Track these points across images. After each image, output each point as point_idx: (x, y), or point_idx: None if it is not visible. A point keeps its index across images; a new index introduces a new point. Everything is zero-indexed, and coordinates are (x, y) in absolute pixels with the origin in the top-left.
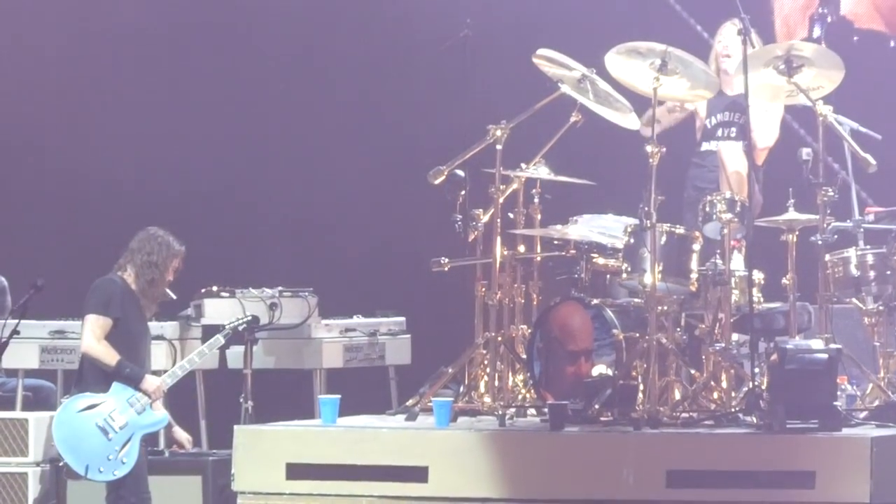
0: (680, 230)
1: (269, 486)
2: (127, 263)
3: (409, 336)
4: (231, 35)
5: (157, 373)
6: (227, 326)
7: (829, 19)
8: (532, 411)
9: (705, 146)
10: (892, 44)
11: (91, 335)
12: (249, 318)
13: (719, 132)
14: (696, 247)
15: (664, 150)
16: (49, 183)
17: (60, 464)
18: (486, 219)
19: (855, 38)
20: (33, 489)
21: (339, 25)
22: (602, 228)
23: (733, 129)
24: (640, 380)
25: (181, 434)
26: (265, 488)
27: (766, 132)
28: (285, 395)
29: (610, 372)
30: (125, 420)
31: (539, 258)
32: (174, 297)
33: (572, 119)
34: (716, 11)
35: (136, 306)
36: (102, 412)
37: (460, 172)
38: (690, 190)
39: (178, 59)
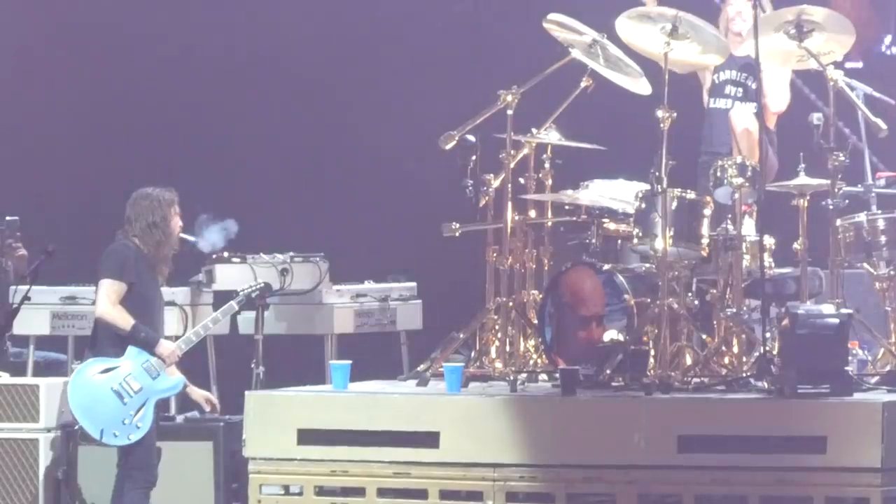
0: (691, 195)
1: (281, 451)
2: (130, 234)
3: (420, 301)
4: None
5: (168, 338)
6: (240, 293)
7: None
8: (543, 376)
9: (712, 104)
10: None
11: (106, 300)
12: (262, 284)
13: (727, 89)
14: (707, 212)
15: (675, 114)
16: (60, 147)
17: (76, 427)
18: (496, 184)
19: None
20: (44, 455)
21: None
22: (613, 194)
23: (740, 90)
24: (651, 345)
25: (199, 393)
26: (276, 454)
27: (778, 96)
28: (296, 361)
29: (621, 337)
30: (140, 384)
31: (550, 223)
32: (193, 239)
33: (583, 84)
34: None
35: (151, 271)
36: (118, 376)
37: (471, 137)
38: (703, 154)
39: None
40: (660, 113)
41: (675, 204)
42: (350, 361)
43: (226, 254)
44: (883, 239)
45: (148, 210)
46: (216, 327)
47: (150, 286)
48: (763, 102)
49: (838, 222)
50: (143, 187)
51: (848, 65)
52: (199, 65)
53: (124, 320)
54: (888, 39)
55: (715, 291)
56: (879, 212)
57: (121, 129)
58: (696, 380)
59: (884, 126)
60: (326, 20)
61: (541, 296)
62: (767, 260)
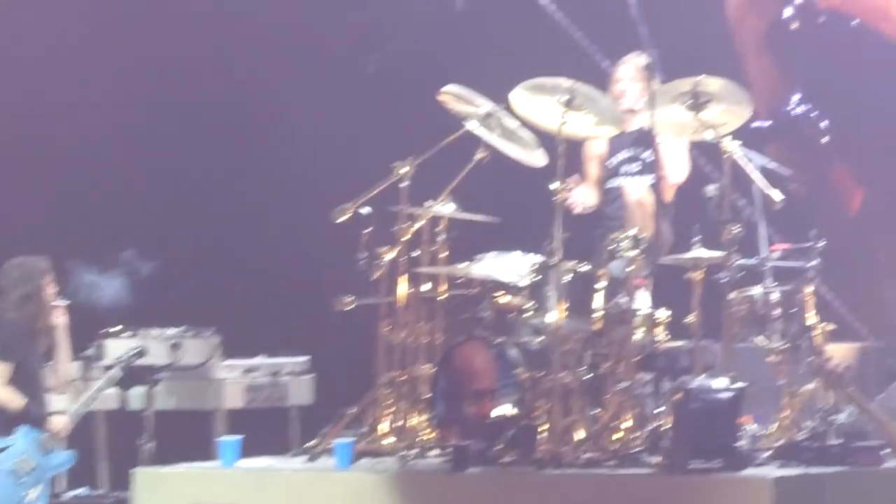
0: (585, 268)
1: None
2: (4, 308)
3: (312, 376)
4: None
5: (58, 412)
6: (119, 360)
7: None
8: (435, 452)
9: (608, 184)
10: (853, 23)
11: None
12: (138, 349)
13: (622, 170)
14: (601, 285)
15: (571, 187)
16: None
17: None
18: (390, 257)
19: (821, 20)
20: None
21: (246, 51)
22: (508, 266)
23: (635, 165)
24: (543, 419)
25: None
26: None
27: (677, 167)
28: (186, 437)
29: (513, 412)
30: (35, 462)
31: (443, 297)
32: (63, 304)
33: (478, 156)
34: (623, 45)
35: (32, 345)
36: (12, 456)
37: (365, 210)
38: (598, 227)
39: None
40: (554, 185)
41: (569, 277)
42: (240, 437)
43: (116, 328)
44: (776, 312)
45: (19, 281)
46: (104, 400)
47: (35, 360)
48: (661, 174)
49: (732, 295)
50: (14, 257)
51: (755, 124)
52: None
53: (15, 400)
54: (795, 98)
55: (608, 365)
56: (774, 285)
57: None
58: (587, 455)
59: (779, 197)
60: (216, 86)
61: (433, 370)
62: (661, 333)
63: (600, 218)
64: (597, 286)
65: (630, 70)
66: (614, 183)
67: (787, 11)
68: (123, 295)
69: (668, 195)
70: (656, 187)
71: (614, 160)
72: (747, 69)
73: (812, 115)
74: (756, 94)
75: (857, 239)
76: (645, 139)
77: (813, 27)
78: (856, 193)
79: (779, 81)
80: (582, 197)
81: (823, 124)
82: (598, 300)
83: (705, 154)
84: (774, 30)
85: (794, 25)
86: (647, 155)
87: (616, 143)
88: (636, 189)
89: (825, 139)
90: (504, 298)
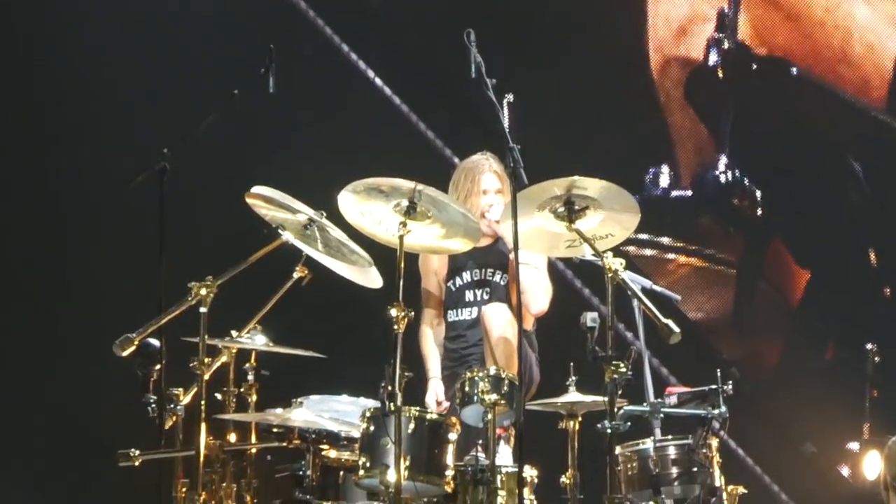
0: (432, 416)
1: None
2: None
3: None
4: None
5: None
6: None
7: (725, 45)
8: None
9: (452, 315)
10: (793, 71)
11: None
12: None
13: (468, 296)
14: (453, 436)
15: (413, 314)
16: None
17: None
18: (187, 400)
19: (754, 66)
20: None
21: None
22: (334, 413)
23: (485, 291)
24: None
25: None
26: None
27: (539, 292)
28: None
29: None
30: None
31: (255, 450)
32: None
33: (296, 274)
34: (477, 140)
35: None
36: None
37: (154, 342)
38: (444, 365)
39: None
40: (394, 312)
41: (412, 426)
42: None
43: None
44: (674, 471)
45: None
46: None
47: None
48: (520, 300)
49: (618, 451)
50: None
51: (675, 193)
52: None
53: None
54: (722, 163)
55: None
56: (669, 437)
57: None
58: None
59: (676, 329)
60: None
61: None
62: (528, 497)
63: (445, 355)
64: (447, 438)
65: (495, 181)
66: (460, 315)
67: (713, 57)
68: None
69: (529, 325)
70: (519, 314)
71: (457, 282)
72: (672, 122)
73: (743, 181)
74: (680, 153)
75: (780, 369)
76: (495, 257)
77: (744, 76)
78: (798, 275)
79: (705, 140)
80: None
81: (757, 194)
82: (448, 456)
83: (581, 275)
84: (698, 78)
85: (721, 74)
86: (499, 278)
87: (461, 259)
88: (496, 317)
89: (759, 211)
90: (330, 453)
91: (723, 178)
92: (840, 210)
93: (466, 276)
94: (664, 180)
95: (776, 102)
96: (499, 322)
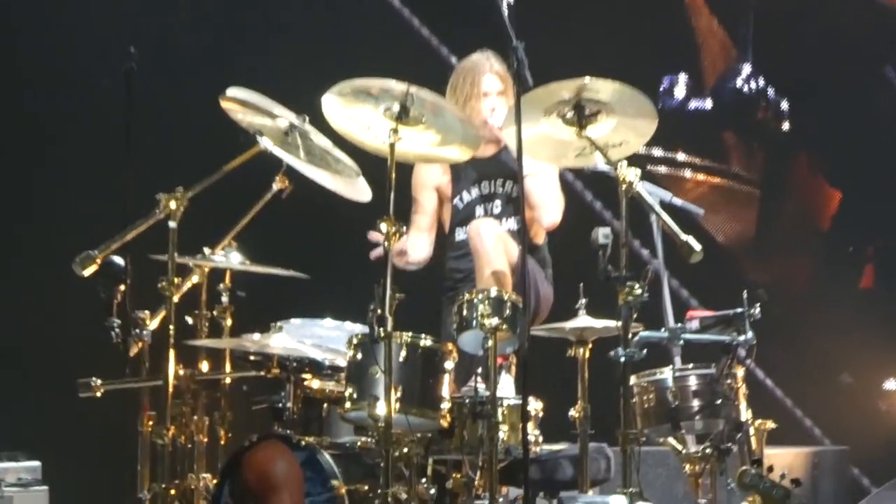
0: (426, 342)
1: None
2: None
3: (45, 489)
4: None
5: None
6: None
7: None
8: None
9: (461, 234)
10: None
11: None
12: None
13: (478, 212)
14: (450, 365)
15: (405, 229)
16: None
17: None
18: (154, 324)
19: None
20: None
21: None
22: (317, 339)
23: (498, 203)
24: None
25: None
26: None
27: (550, 204)
28: None
29: None
30: None
31: (229, 380)
32: None
33: (276, 186)
34: (477, 38)
35: None
36: None
37: (119, 260)
38: (445, 286)
39: None
40: (384, 227)
41: (404, 354)
42: None
43: None
44: (695, 404)
45: None
46: None
47: None
48: (531, 215)
49: (633, 381)
50: None
51: (693, 104)
52: None
53: None
54: (745, 71)
55: (459, 476)
56: (690, 366)
57: None
58: None
59: (698, 247)
60: None
61: (215, 481)
62: (533, 433)
63: (448, 274)
64: (443, 367)
65: (497, 82)
66: (466, 228)
67: None
68: None
69: (540, 240)
70: (523, 232)
71: (465, 197)
72: (698, 26)
73: (768, 91)
74: (699, 60)
75: (811, 295)
76: (503, 167)
77: None
78: (828, 195)
79: (726, 46)
80: (412, 247)
81: (783, 105)
82: (444, 387)
83: (592, 186)
84: None
85: None
86: (509, 188)
87: (465, 173)
88: (490, 232)
89: (785, 125)
90: (313, 383)
91: (745, 89)
92: (874, 124)
93: (474, 190)
94: (680, 90)
95: (804, 4)
96: (486, 238)
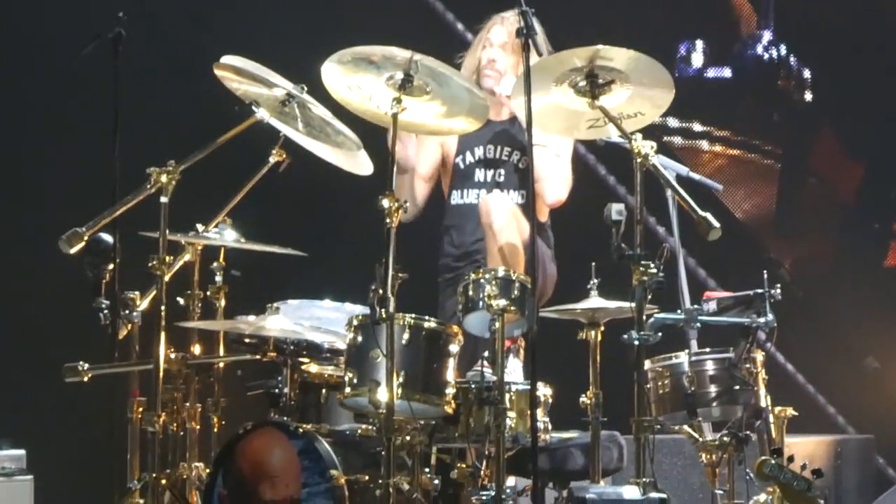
0: (431, 324)
1: None
2: None
3: (30, 478)
4: None
5: None
6: None
7: None
8: None
9: (457, 197)
10: None
11: None
12: None
13: (477, 175)
14: (455, 348)
15: (408, 205)
16: None
17: None
18: (144, 305)
19: None
20: None
21: None
22: (316, 321)
23: (499, 173)
24: None
25: None
26: None
27: (556, 179)
28: None
29: None
30: None
31: (223, 364)
32: None
33: (273, 159)
34: (485, 4)
35: None
36: None
37: (107, 237)
38: (445, 266)
39: None
40: (386, 202)
41: (406, 336)
42: None
43: None
44: (712, 390)
45: None
46: None
47: None
48: (535, 188)
49: (647, 366)
50: None
51: (711, 73)
52: None
53: None
54: (766, 38)
55: (465, 466)
56: (707, 350)
57: None
58: None
59: (716, 224)
60: None
61: (208, 471)
62: (542, 419)
63: (445, 251)
64: (448, 350)
65: (502, 35)
66: (466, 198)
67: None
68: None
69: (544, 217)
70: (530, 206)
71: (466, 157)
72: None
73: (790, 60)
74: (717, 26)
75: (835, 274)
76: (514, 135)
77: None
78: (852, 169)
79: (746, 12)
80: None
81: (805, 74)
82: (449, 371)
83: (605, 160)
84: None
85: None
86: (515, 158)
87: (469, 136)
88: (500, 208)
89: (807, 95)
90: (311, 367)
91: (766, 57)
92: None
93: (479, 151)
94: (698, 58)
95: None
96: (499, 214)
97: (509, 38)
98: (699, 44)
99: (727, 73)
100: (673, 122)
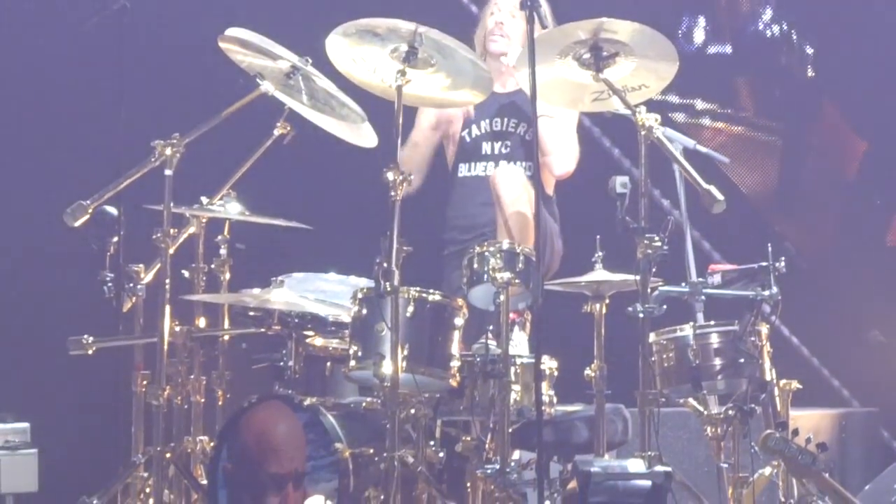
0: (435, 296)
1: None
2: None
3: (34, 451)
4: None
5: None
6: None
7: None
8: None
9: (464, 170)
10: None
11: None
12: None
13: (484, 148)
14: (459, 321)
15: (412, 178)
16: None
17: None
18: (149, 278)
19: None
20: None
21: None
22: (320, 293)
23: (506, 145)
24: None
25: None
26: None
27: (563, 152)
28: None
29: None
30: None
31: (227, 337)
32: None
33: (277, 132)
34: None
35: None
36: None
37: (112, 210)
38: (450, 239)
39: None
40: (390, 175)
41: (411, 309)
42: None
43: None
44: (717, 363)
45: None
46: None
47: None
48: (542, 160)
49: (652, 338)
50: None
51: (712, 49)
52: None
53: None
54: (768, 14)
55: (469, 439)
56: (712, 323)
57: None
58: None
59: (720, 196)
60: None
61: (213, 444)
62: (547, 393)
63: (451, 224)
64: (453, 323)
65: (514, 2)
66: (473, 170)
67: None
68: None
69: (550, 190)
70: (535, 178)
71: (473, 131)
72: None
73: (791, 36)
74: (719, 2)
75: (839, 248)
76: (520, 107)
77: None
78: (854, 145)
79: None
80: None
81: (807, 50)
82: (454, 344)
83: (610, 132)
84: None
85: None
86: (522, 130)
87: (475, 109)
88: (508, 182)
89: (810, 72)
90: (316, 340)
91: (768, 33)
92: None
93: (484, 124)
94: (699, 34)
95: None
96: (511, 188)
97: (516, 7)
98: (700, 19)
99: (728, 49)
100: (674, 99)
